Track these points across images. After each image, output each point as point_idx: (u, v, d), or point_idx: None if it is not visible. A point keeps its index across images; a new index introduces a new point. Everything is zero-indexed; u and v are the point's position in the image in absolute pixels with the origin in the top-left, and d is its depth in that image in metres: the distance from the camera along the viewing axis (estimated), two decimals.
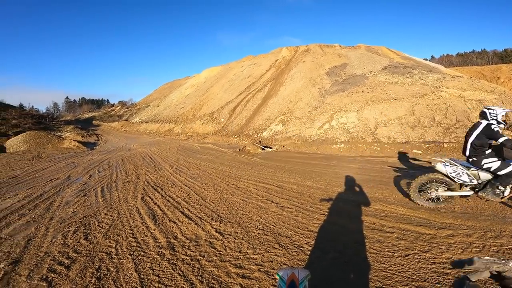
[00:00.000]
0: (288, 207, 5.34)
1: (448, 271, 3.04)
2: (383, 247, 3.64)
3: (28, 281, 3.33)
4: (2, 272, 3.51)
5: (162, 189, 7.12)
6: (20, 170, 10.53)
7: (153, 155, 13.13)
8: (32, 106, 48.81)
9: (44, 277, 3.41)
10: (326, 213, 4.91)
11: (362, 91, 16.13)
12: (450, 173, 4.69)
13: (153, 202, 6.11)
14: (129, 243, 4.19)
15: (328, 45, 29.54)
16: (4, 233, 4.67)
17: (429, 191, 4.90)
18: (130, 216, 5.31)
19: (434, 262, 3.21)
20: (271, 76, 26.61)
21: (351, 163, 9.41)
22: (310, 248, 3.74)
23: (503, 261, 0.72)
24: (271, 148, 13.72)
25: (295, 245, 3.84)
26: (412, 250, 3.51)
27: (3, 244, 4.26)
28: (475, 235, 3.78)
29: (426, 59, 29.11)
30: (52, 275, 3.45)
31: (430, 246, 3.57)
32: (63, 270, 3.54)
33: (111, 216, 5.35)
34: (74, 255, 3.92)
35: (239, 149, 13.62)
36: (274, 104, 20.26)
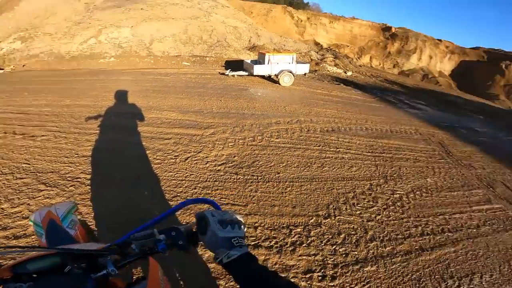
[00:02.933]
0: (43, 135, 4.00)
1: (219, 167, 3.53)
2: (165, 155, 3.63)
3: None
4: None
5: None
6: None
7: None
8: None
9: None
10: (98, 131, 4.20)
11: (141, 9, 14.85)
12: None
13: None
14: None
15: None
16: None
17: None
18: None
19: (208, 162, 3.61)
20: None
21: (123, 76, 8.58)
22: (89, 177, 3.09)
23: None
24: (2, 69, 9.34)
25: (68, 179, 3.01)
26: (189, 153, 3.75)
27: None
28: (228, 130, 4.68)
29: None
30: None
31: (201, 146, 3.98)
32: None
33: None
34: None
35: None
36: (8, 20, 13.65)
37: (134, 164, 3.46)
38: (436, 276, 2.50)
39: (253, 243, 2.48)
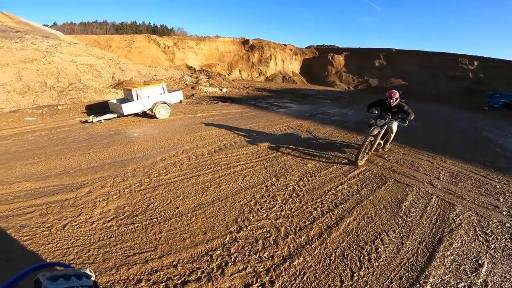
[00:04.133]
0: None
1: (109, 223, 3.07)
2: (35, 229, 2.94)
3: None
4: None
5: None
6: None
7: None
8: None
9: None
10: None
11: None
12: None
13: None
14: None
15: None
16: None
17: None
18: None
19: (93, 222, 3.10)
20: None
21: None
22: None
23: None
24: None
25: None
26: (65, 220, 3.12)
27: None
28: (108, 184, 4.09)
29: (47, 25, 25.77)
30: None
31: (78, 209, 3.36)
32: None
33: None
34: None
35: None
36: None
37: None
38: (354, 246, 2.88)
39: (179, 281, 2.33)
